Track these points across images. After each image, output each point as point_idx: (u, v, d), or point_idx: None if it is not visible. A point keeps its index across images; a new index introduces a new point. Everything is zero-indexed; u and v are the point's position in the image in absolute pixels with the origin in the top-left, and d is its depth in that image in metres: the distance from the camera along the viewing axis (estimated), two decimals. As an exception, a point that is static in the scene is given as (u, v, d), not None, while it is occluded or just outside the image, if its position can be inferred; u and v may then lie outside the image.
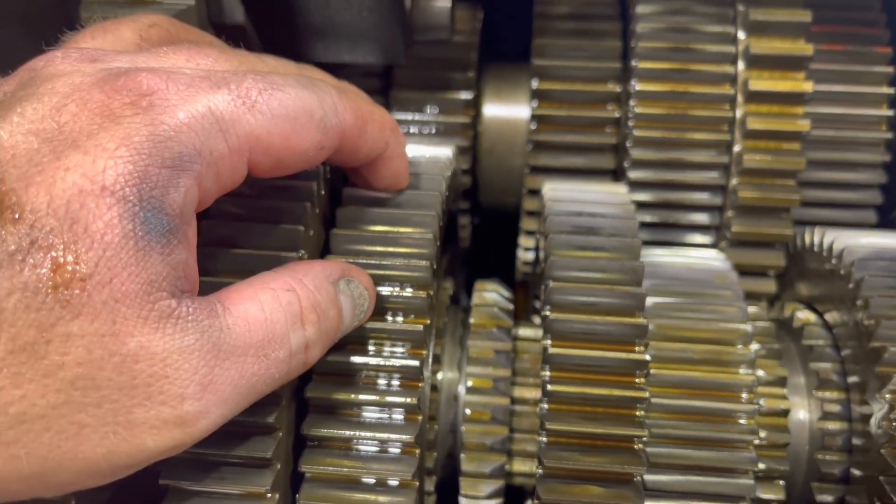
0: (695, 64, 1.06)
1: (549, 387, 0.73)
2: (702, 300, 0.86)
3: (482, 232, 1.42)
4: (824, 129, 1.10)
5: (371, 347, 0.71)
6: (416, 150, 0.91)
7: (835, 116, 1.10)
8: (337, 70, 1.27)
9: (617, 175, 1.17)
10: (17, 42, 0.84)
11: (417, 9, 0.99)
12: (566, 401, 0.73)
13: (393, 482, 0.69)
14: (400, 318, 0.72)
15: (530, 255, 1.27)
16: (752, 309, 0.94)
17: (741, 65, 1.05)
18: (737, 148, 1.05)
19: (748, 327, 0.83)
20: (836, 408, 0.87)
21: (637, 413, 0.73)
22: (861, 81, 1.10)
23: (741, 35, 1.05)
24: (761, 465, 0.82)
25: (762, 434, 0.84)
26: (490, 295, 0.95)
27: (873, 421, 0.80)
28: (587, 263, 0.78)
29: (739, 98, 1.04)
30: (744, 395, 0.80)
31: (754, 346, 0.82)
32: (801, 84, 1.01)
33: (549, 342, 0.75)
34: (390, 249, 0.74)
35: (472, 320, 0.91)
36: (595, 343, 0.75)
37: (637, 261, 0.78)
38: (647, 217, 1.10)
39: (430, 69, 1.20)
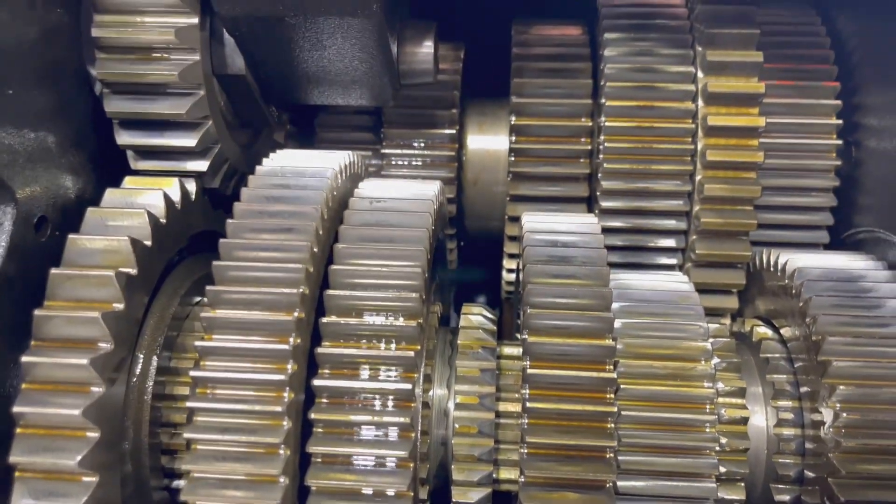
0: (659, 101, 1.14)
1: (528, 404, 0.81)
2: (666, 320, 0.94)
3: (468, 253, 1.50)
4: (779, 157, 1.19)
5: (367, 372, 0.79)
6: (405, 187, 0.99)
7: (788, 146, 1.19)
8: (333, 109, 1.36)
9: (590, 202, 1.25)
10: (34, 94, 0.91)
11: (404, 57, 1.08)
12: (544, 416, 0.81)
13: (390, 493, 0.76)
14: (393, 346, 0.80)
15: (513, 277, 1.35)
16: (713, 326, 1.01)
17: (700, 102, 1.14)
18: (698, 177, 1.14)
19: (708, 345, 0.91)
20: (790, 415, 0.96)
21: (608, 426, 0.81)
22: (811, 113, 1.19)
23: (700, 74, 1.15)
24: (723, 469, 0.89)
25: (724, 440, 0.92)
26: (476, 318, 1.02)
27: (823, 427, 0.89)
28: (561, 290, 0.86)
29: (700, 132, 1.13)
30: (706, 407, 0.88)
31: (715, 361, 0.90)
32: (755, 119, 1.10)
33: (527, 363, 0.83)
34: (383, 282, 0.82)
35: (459, 341, 0.98)
36: (569, 363, 0.83)
37: (606, 287, 0.86)
38: (618, 241, 1.19)
39: (416, 108, 1.29)
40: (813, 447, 0.92)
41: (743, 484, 0.94)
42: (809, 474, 0.92)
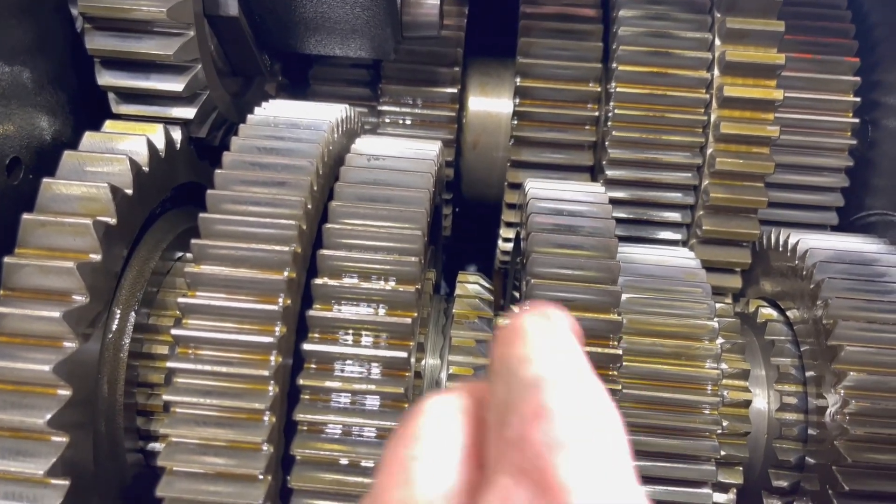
0: (673, 69, 1.10)
1: (528, 378, 0.77)
2: (672, 297, 0.91)
3: (460, 220, 1.46)
4: (791, 133, 1.15)
5: (360, 338, 0.75)
6: (405, 146, 0.94)
7: (802, 122, 1.15)
8: (328, 61, 1.29)
9: (595, 172, 1.21)
10: (10, 25, 0.85)
11: (408, 8, 1.02)
12: (544, 391, 0.77)
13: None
14: (388, 312, 0.75)
15: (509, 246, 1.31)
16: (718, 305, 0.99)
17: (716, 71, 1.09)
18: (709, 150, 1.10)
19: (715, 324, 0.88)
20: (793, 400, 0.93)
21: (610, 403, 0.78)
22: (829, 89, 1.15)
23: (717, 42, 1.10)
24: (722, 452, 0.87)
25: (724, 423, 0.89)
26: (472, 286, 0.98)
27: (828, 413, 0.86)
28: (566, 261, 0.82)
29: (714, 103, 1.09)
30: (709, 388, 0.85)
31: (720, 342, 0.87)
32: (772, 92, 1.06)
33: (529, 336, 0.79)
34: (380, 244, 0.77)
35: (454, 310, 0.95)
36: (572, 337, 0.79)
37: (613, 260, 0.82)
38: (623, 213, 1.15)
39: (417, 63, 1.23)
40: (816, 433, 0.90)
41: (741, 468, 0.91)
42: (810, 461, 0.90)
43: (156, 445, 0.88)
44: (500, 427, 0.38)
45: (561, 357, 0.40)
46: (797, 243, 0.99)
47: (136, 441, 0.88)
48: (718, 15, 1.10)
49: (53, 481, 0.72)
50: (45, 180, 0.78)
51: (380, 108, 1.24)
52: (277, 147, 0.82)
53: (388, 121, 1.24)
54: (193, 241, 0.74)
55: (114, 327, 0.84)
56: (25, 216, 0.75)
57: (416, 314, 0.76)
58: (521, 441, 0.36)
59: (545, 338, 0.41)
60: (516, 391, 0.39)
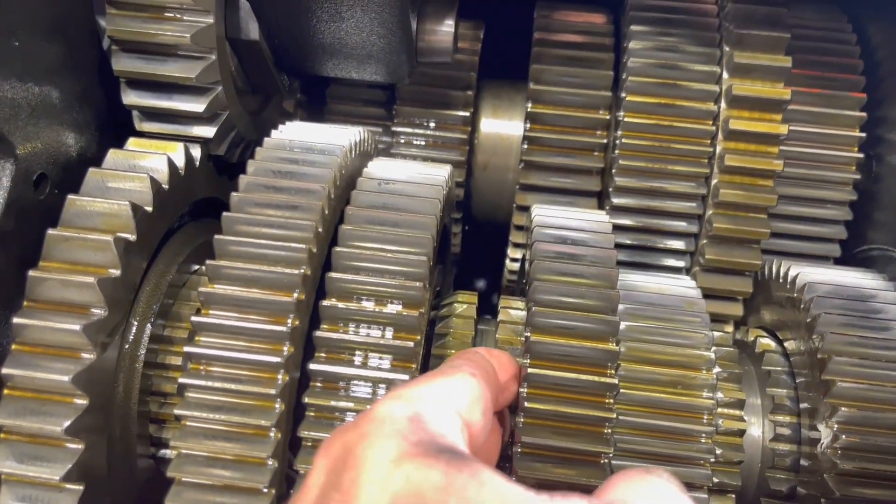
0: (680, 100, 1.12)
1: (525, 403, 0.80)
2: (671, 326, 0.92)
3: (471, 237, 1.48)
4: (796, 166, 1.16)
5: (365, 359, 0.78)
6: (415, 170, 0.96)
7: (808, 155, 1.17)
8: (345, 81, 1.32)
9: (602, 197, 1.23)
10: (41, 46, 0.88)
11: (423, 34, 1.04)
12: (541, 417, 0.80)
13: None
14: (392, 334, 0.78)
15: (516, 266, 1.33)
16: (717, 334, 1.00)
17: (723, 104, 1.11)
18: (714, 181, 1.11)
19: (711, 354, 0.89)
20: (787, 431, 0.95)
21: (605, 431, 0.80)
22: (835, 124, 1.17)
23: (725, 75, 1.12)
24: (715, 480, 0.88)
25: (718, 451, 0.91)
26: (516, 312, 0.99)
27: (820, 446, 0.88)
28: (567, 290, 0.85)
29: (720, 135, 1.11)
30: (704, 417, 0.87)
31: (716, 371, 0.89)
32: (778, 126, 1.08)
33: (528, 362, 0.81)
34: (386, 268, 0.80)
35: (498, 335, 0.95)
36: (571, 365, 0.81)
37: (614, 290, 0.85)
38: (627, 240, 1.17)
39: (431, 86, 1.26)
40: (808, 464, 0.91)
41: (734, 496, 0.93)
42: (802, 491, 0.92)
43: (167, 452, 0.91)
44: None
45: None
46: (797, 276, 1.00)
47: (148, 447, 0.91)
48: (727, 49, 1.12)
49: (68, 486, 0.75)
50: (70, 197, 0.82)
51: (394, 128, 1.27)
52: (292, 170, 0.85)
53: (401, 141, 1.27)
54: (208, 261, 0.77)
55: (130, 338, 0.87)
56: (50, 231, 0.79)
57: (419, 337, 0.79)
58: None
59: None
60: None
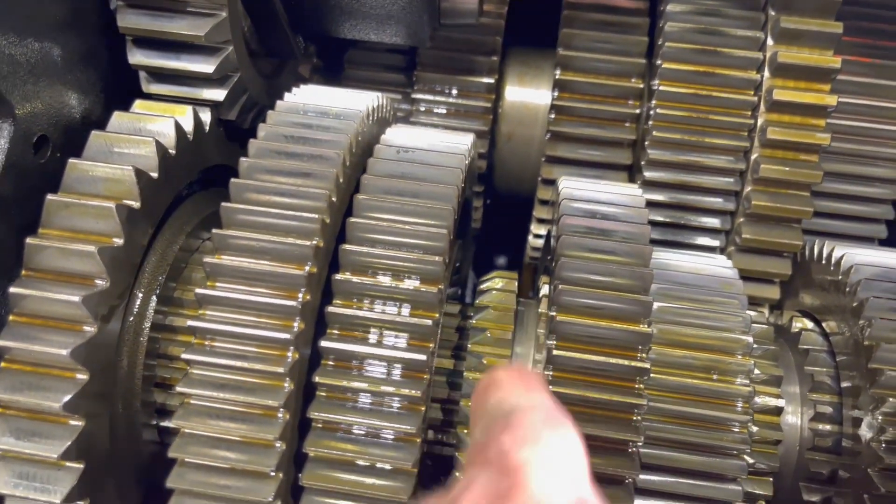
0: (720, 68, 1.05)
1: (550, 387, 0.75)
2: (706, 307, 0.87)
3: (492, 212, 1.43)
4: (843, 141, 1.10)
5: (380, 337, 0.73)
6: (436, 137, 0.91)
7: (855, 129, 1.10)
8: (364, 45, 1.27)
9: (633, 171, 1.17)
10: (44, 2, 0.84)
11: (446, -6, 0.99)
12: (566, 402, 0.74)
13: (391, 468, 0.71)
14: (409, 311, 0.73)
15: (539, 242, 1.28)
16: (751, 312, 0.95)
17: (767, 72, 1.04)
18: (754, 155, 1.05)
19: (749, 339, 0.84)
20: (828, 409, 0.90)
21: (634, 418, 0.75)
22: (884, 95, 1.10)
23: (770, 42, 1.05)
24: (751, 460, 0.83)
25: (754, 429, 0.86)
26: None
27: (862, 432, 0.82)
28: (597, 267, 0.79)
29: (762, 106, 1.04)
30: (739, 405, 0.82)
31: (755, 347, 0.84)
32: (825, 97, 1.01)
33: (553, 343, 0.76)
34: (404, 241, 0.75)
35: (541, 310, 0.91)
36: (599, 347, 0.76)
37: (647, 268, 0.79)
38: (659, 217, 1.11)
39: (454, 51, 1.20)
40: (850, 445, 0.86)
41: (771, 479, 0.88)
42: (843, 475, 0.86)
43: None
44: (478, 453, 0.48)
45: (526, 395, 0.51)
46: (842, 257, 0.94)
47: (152, 416, 0.87)
48: (773, 13, 1.05)
49: (68, 464, 0.72)
50: (71, 161, 0.78)
51: (414, 95, 1.21)
52: (305, 136, 0.80)
53: (422, 109, 1.21)
54: (214, 231, 0.73)
55: (135, 310, 0.83)
56: (49, 197, 0.75)
57: (437, 315, 0.74)
58: (490, 444, 0.46)
59: (515, 384, 0.53)
60: (493, 421, 0.49)
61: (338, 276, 0.74)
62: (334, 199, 0.76)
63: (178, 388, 0.70)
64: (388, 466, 0.71)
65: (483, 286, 0.95)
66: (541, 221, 1.24)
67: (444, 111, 1.21)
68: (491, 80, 1.21)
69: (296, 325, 0.71)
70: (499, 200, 1.41)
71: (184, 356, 0.71)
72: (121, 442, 0.82)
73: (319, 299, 0.75)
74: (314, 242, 0.72)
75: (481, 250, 1.57)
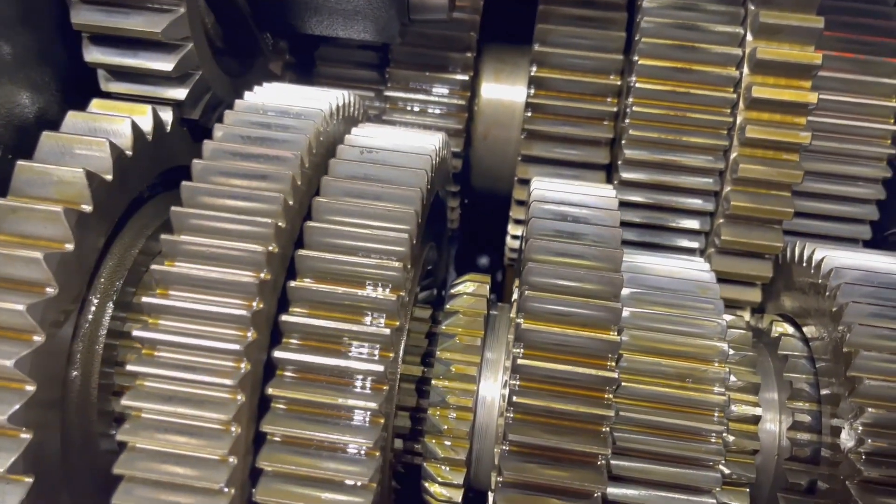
0: (698, 64, 1.03)
1: (514, 398, 0.72)
2: (682, 313, 0.85)
3: (471, 211, 1.40)
4: (826, 139, 1.07)
5: (337, 347, 0.70)
6: (403, 137, 0.88)
7: (837, 127, 1.08)
8: (335, 41, 1.24)
9: (611, 170, 1.14)
10: (7, 43, 0.82)
11: (415, -11, 0.95)
12: (531, 412, 0.72)
13: (351, 483, 0.68)
14: (369, 319, 0.71)
15: (517, 243, 1.25)
16: (728, 317, 0.92)
17: (746, 69, 1.01)
18: (733, 154, 1.02)
19: (725, 346, 0.82)
20: (806, 418, 0.87)
21: (602, 429, 0.73)
22: (868, 92, 1.07)
23: (749, 37, 1.02)
24: (727, 471, 0.82)
25: (731, 439, 0.84)
26: None
27: (842, 441, 0.80)
28: (565, 272, 0.77)
29: (741, 103, 1.01)
30: (714, 414, 0.79)
31: (729, 352, 0.81)
32: (806, 94, 0.98)
33: (519, 352, 0.74)
34: (364, 245, 0.73)
35: (513, 315, 0.88)
36: (566, 355, 0.74)
37: (617, 273, 0.77)
38: (637, 218, 1.09)
39: (428, 47, 1.17)
40: (830, 455, 0.83)
41: (748, 490, 0.86)
42: (823, 485, 0.84)
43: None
44: None
45: None
46: (822, 259, 0.91)
47: (110, 426, 0.84)
48: (752, 7, 1.02)
49: (15, 478, 0.69)
50: (20, 163, 0.75)
51: (387, 93, 1.18)
52: (263, 136, 0.77)
53: (396, 106, 1.19)
54: (163, 236, 0.70)
55: (90, 317, 0.80)
56: (-4, 200, 0.72)
57: (398, 322, 0.72)
58: None
59: None
60: None
61: (293, 283, 0.71)
62: (291, 202, 0.73)
63: (124, 402, 0.68)
64: (346, 481, 0.69)
65: (454, 290, 0.93)
66: (517, 222, 1.22)
67: (418, 109, 1.18)
68: (466, 77, 1.18)
69: (249, 334, 0.68)
70: (478, 200, 1.38)
71: (129, 367, 0.68)
72: (76, 453, 0.80)
73: (275, 307, 0.72)
74: (268, 248, 0.69)
75: (463, 250, 1.54)
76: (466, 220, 1.37)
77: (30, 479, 0.69)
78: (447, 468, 0.84)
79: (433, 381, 0.85)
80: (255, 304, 0.68)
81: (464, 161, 1.25)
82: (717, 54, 1.03)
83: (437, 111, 1.18)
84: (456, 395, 0.84)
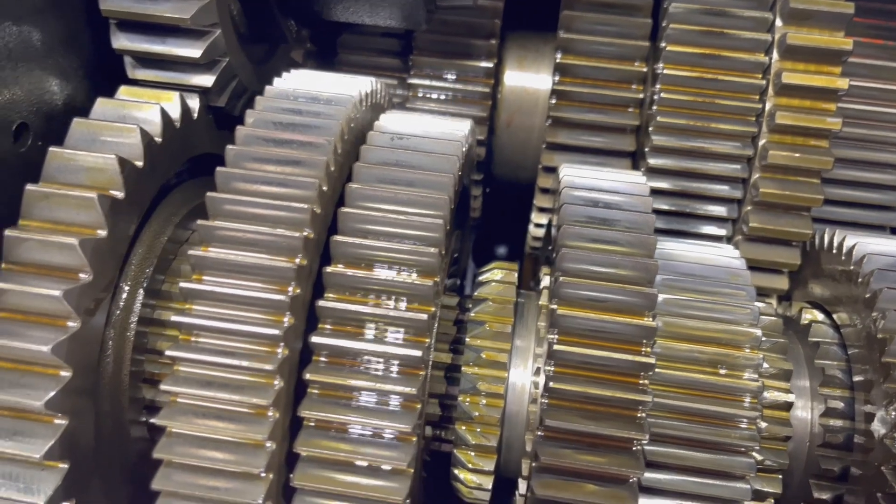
0: (727, 50, 1.02)
1: (550, 383, 0.72)
2: (713, 299, 0.85)
3: (491, 200, 1.40)
4: (855, 126, 1.07)
5: (373, 332, 0.70)
6: (432, 124, 0.88)
7: (867, 114, 1.07)
8: (358, 29, 1.23)
9: (636, 158, 1.14)
10: (36, 30, 0.82)
11: (442, -26, 0.95)
12: (567, 398, 0.72)
13: (387, 467, 0.68)
14: (404, 305, 0.71)
15: (540, 232, 1.25)
16: (759, 304, 0.92)
17: (775, 54, 1.01)
18: (762, 141, 1.02)
19: (758, 331, 0.81)
20: (839, 405, 0.87)
21: (638, 415, 0.72)
22: (897, 78, 1.06)
23: (778, 23, 1.01)
24: (759, 457, 0.81)
25: (763, 425, 0.84)
26: None
27: (875, 427, 0.80)
28: (599, 258, 0.76)
29: (770, 90, 1.01)
30: (747, 401, 0.79)
31: (763, 339, 0.81)
32: (836, 80, 0.98)
33: (554, 337, 0.74)
34: (399, 231, 0.72)
35: (541, 303, 0.88)
36: (602, 341, 0.73)
37: (651, 259, 0.76)
38: (664, 205, 1.08)
39: (451, 34, 1.16)
40: (862, 442, 0.83)
41: (780, 476, 0.86)
42: (856, 472, 0.84)
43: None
44: None
45: None
46: (854, 247, 0.91)
47: (140, 413, 0.85)
48: (781, -8, 1.02)
49: (51, 464, 0.69)
50: (52, 149, 0.75)
51: (410, 80, 1.18)
52: (295, 122, 0.77)
53: (418, 94, 1.18)
54: (199, 221, 0.70)
55: (121, 304, 0.80)
56: (29, 187, 0.72)
57: (433, 308, 0.71)
58: None
59: None
60: None
61: (329, 269, 0.71)
62: (325, 188, 0.73)
63: (163, 387, 0.68)
64: (383, 466, 0.68)
65: (482, 277, 0.92)
66: (542, 210, 1.21)
67: (442, 97, 1.18)
68: (489, 65, 1.18)
69: (286, 320, 0.68)
70: (499, 189, 1.38)
71: (168, 353, 0.68)
72: (107, 440, 0.80)
73: (310, 293, 0.72)
74: (304, 233, 0.69)
75: (481, 240, 1.54)
76: (486, 209, 1.37)
77: (65, 466, 0.70)
78: (477, 455, 0.84)
79: (463, 368, 0.85)
80: (291, 289, 0.68)
81: (487, 149, 1.24)
82: (745, 40, 1.02)
83: (461, 99, 1.17)
84: (487, 382, 0.84)
